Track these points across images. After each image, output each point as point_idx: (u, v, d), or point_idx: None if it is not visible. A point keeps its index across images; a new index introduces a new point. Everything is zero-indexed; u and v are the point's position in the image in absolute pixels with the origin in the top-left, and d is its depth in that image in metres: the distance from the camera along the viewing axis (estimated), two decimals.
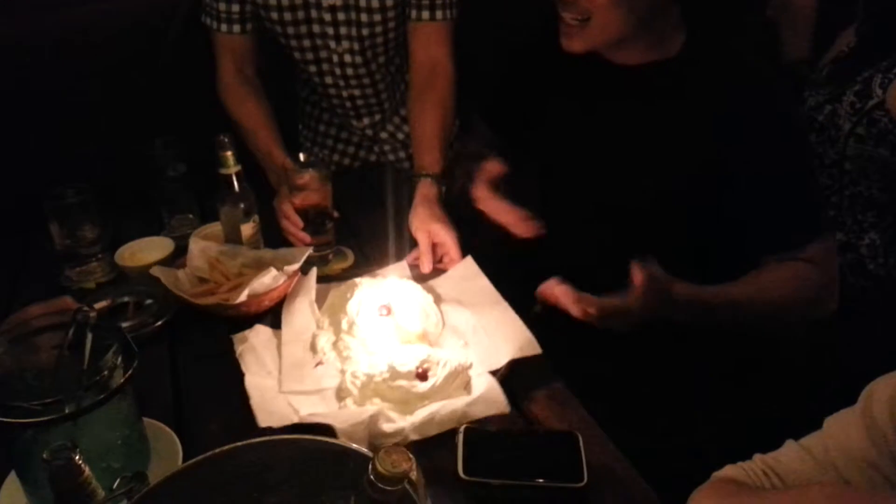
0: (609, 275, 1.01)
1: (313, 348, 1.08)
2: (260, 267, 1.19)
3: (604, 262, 1.09)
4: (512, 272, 1.25)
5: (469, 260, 1.25)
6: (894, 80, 1.35)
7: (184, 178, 1.36)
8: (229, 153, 1.20)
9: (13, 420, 0.75)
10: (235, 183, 1.22)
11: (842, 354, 1.34)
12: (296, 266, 1.17)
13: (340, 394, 0.99)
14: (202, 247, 1.23)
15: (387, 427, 0.91)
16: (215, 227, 1.31)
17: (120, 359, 0.82)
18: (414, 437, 0.91)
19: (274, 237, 1.29)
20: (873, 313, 1.42)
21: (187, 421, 0.96)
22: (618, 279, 1.01)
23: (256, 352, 1.06)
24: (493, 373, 1.01)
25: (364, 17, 1.43)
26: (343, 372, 1.02)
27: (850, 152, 1.42)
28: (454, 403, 0.94)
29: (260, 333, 1.10)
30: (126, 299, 1.19)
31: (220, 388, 1.01)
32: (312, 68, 1.52)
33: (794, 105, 1.13)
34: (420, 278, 1.22)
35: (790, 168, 1.09)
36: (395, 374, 0.97)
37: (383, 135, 1.66)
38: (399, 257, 1.30)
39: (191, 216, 1.39)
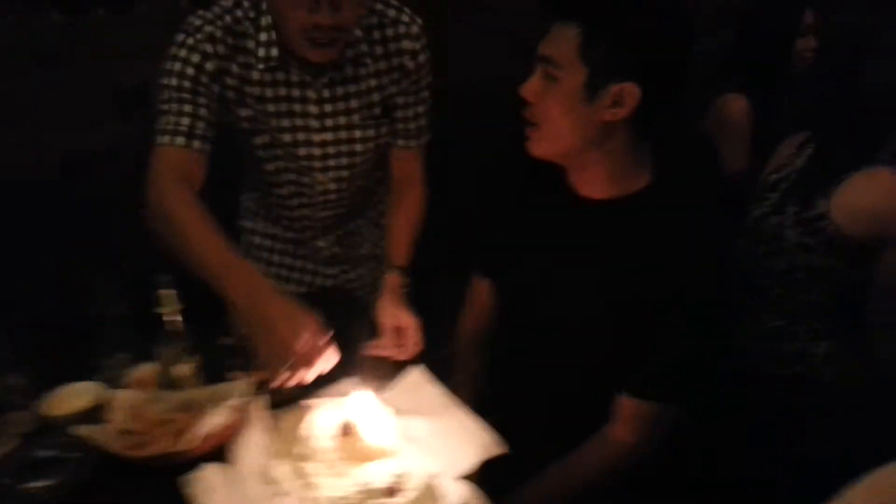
0: (556, 385, 1.16)
1: (271, 480, 1.03)
2: (189, 409, 1.15)
3: (550, 376, 1.23)
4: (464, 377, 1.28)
5: (416, 368, 1.25)
6: (836, 190, 1.43)
7: (120, 318, 1.30)
8: (169, 293, 1.17)
9: None
10: (174, 323, 1.18)
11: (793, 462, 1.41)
12: (242, 399, 1.13)
13: None
14: (124, 397, 1.17)
15: None
16: (150, 368, 1.25)
17: None
18: None
19: (213, 378, 1.24)
20: (826, 420, 1.45)
21: None
22: (560, 388, 1.17)
23: (214, 492, 1.00)
24: (467, 477, 1.00)
25: (358, 147, 1.45)
26: (312, 501, 0.97)
27: (800, 262, 1.48)
28: None
29: (212, 473, 1.04)
30: (48, 453, 1.09)
31: None
32: (284, 191, 1.49)
33: (722, 270, 1.20)
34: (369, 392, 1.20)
35: (684, 334, 1.14)
36: (367, 493, 0.94)
37: (344, 252, 1.64)
38: (343, 377, 1.27)
39: (127, 356, 1.31)
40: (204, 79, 1.30)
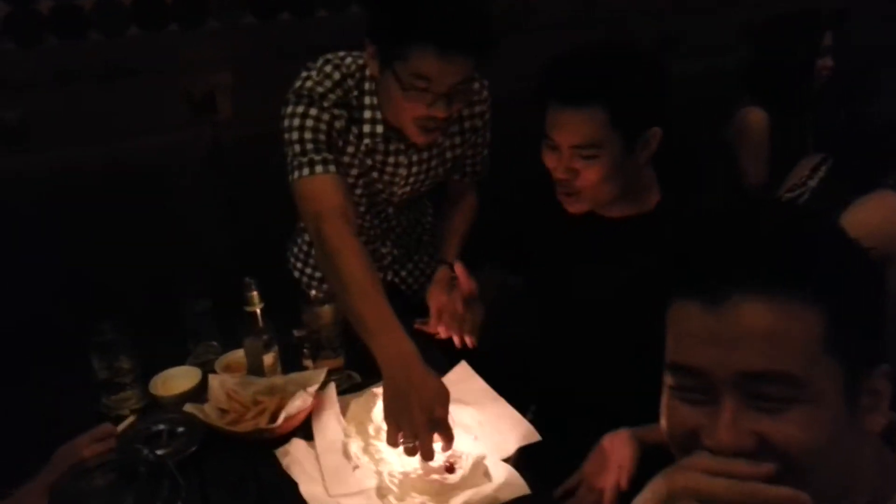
0: (583, 379, 1.34)
1: (346, 455, 1.24)
2: (273, 393, 1.36)
3: (584, 381, 1.40)
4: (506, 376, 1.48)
5: (464, 364, 1.45)
6: (847, 210, 1.54)
7: (209, 312, 1.52)
8: (255, 293, 1.38)
9: None
10: (259, 319, 1.39)
11: None
12: (317, 386, 1.34)
13: (381, 492, 1.16)
14: (220, 380, 1.38)
15: None
16: (236, 355, 1.47)
17: (168, 491, 0.97)
18: None
19: (289, 365, 1.46)
20: None
21: None
22: (595, 395, 1.33)
23: (300, 463, 1.22)
24: (506, 460, 1.21)
25: (434, 163, 1.59)
26: (379, 473, 1.19)
27: None
28: (483, 490, 1.12)
29: (299, 447, 1.26)
30: (161, 427, 1.32)
31: None
32: (361, 205, 1.63)
33: None
34: None
35: None
36: (427, 469, 1.15)
37: (403, 251, 1.79)
38: None
39: (214, 344, 1.53)
40: (334, 135, 1.44)
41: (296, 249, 1.83)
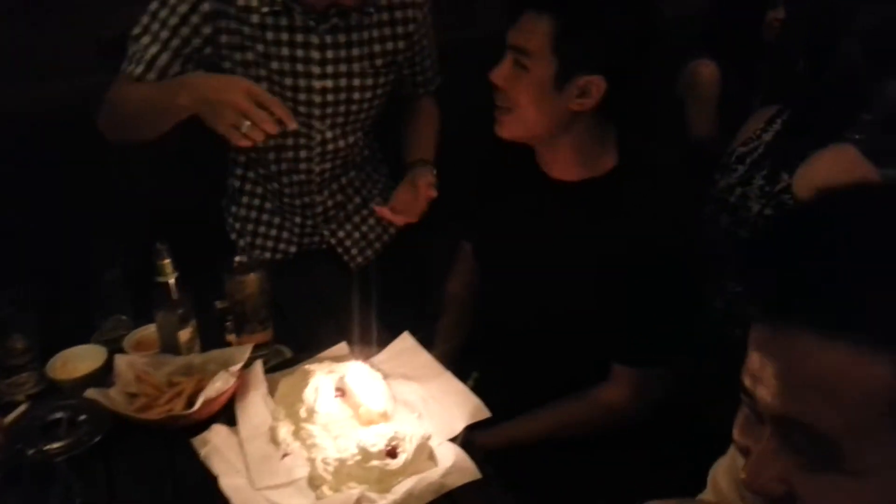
0: (532, 357, 1.28)
1: (275, 440, 1.10)
2: (190, 373, 1.21)
3: (527, 347, 1.33)
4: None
5: (407, 335, 1.32)
6: (801, 165, 1.51)
7: (119, 281, 1.35)
8: (167, 261, 1.21)
9: None
10: (173, 290, 1.23)
11: None
12: (240, 364, 1.20)
13: (314, 482, 1.03)
14: (128, 361, 1.22)
15: None
16: (149, 330, 1.30)
17: (61, 495, 0.82)
18: None
19: (210, 340, 1.30)
20: None
21: None
22: (539, 361, 1.28)
23: (221, 452, 1.08)
24: (454, 440, 1.09)
25: (356, 96, 1.48)
26: (312, 460, 1.05)
27: None
28: (429, 476, 1.01)
29: (220, 434, 1.11)
30: (59, 415, 1.15)
31: None
32: (282, 145, 1.52)
33: (689, 241, 1.27)
34: (362, 358, 1.27)
35: (658, 301, 1.21)
36: (366, 455, 1.02)
37: (340, 209, 1.67)
38: (335, 343, 1.34)
39: (124, 318, 1.36)
40: (195, 19, 1.35)
41: (231, 218, 1.69)
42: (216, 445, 1.09)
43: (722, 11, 2.29)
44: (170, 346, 1.25)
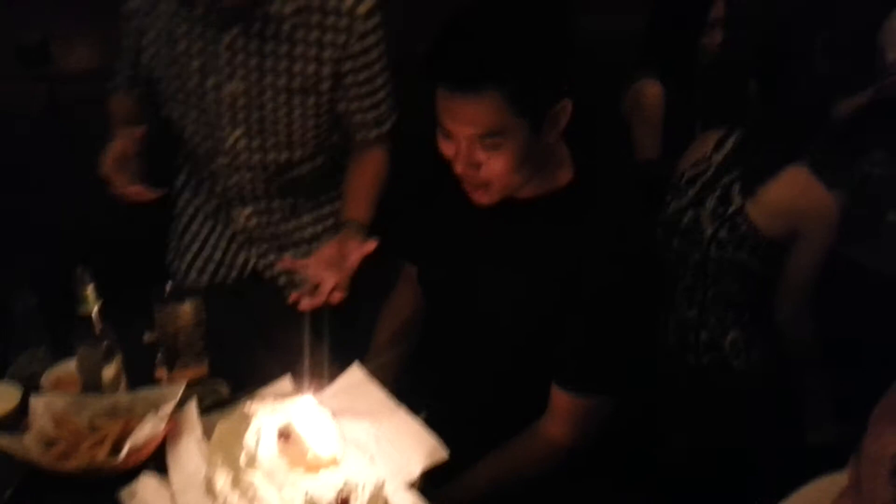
0: (479, 377, 1.21)
1: (211, 491, 1.00)
2: (115, 415, 1.10)
3: (474, 368, 1.27)
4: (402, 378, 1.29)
5: (356, 367, 1.24)
6: (755, 188, 1.50)
7: (35, 311, 1.22)
8: (89, 288, 1.09)
9: None
10: (96, 321, 1.11)
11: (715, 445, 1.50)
12: (172, 405, 1.09)
13: None
14: (45, 402, 1.10)
15: None
16: (69, 368, 1.18)
17: None
18: None
19: (138, 377, 1.19)
20: (739, 408, 1.56)
21: None
22: (490, 388, 1.21)
23: None
24: (412, 485, 1.02)
25: (269, 108, 1.41)
26: None
27: (713, 255, 1.57)
28: None
29: (148, 486, 1.01)
30: None
31: None
32: (199, 148, 1.49)
33: (645, 263, 1.20)
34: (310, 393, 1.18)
35: (611, 324, 1.16)
36: None
37: (269, 230, 1.58)
38: (278, 377, 1.25)
39: (40, 352, 1.23)
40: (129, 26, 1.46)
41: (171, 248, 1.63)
42: (145, 499, 0.99)
43: (656, 33, 2.29)
44: (92, 385, 1.14)
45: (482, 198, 1.15)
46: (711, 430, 1.55)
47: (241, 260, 1.60)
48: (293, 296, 1.26)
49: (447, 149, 1.12)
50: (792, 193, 1.50)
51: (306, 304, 1.23)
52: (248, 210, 1.55)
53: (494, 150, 1.08)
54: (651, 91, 2.26)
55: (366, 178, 1.49)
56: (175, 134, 1.53)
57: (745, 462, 1.50)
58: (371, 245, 1.30)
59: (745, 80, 1.73)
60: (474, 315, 1.26)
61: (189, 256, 1.62)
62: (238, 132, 1.44)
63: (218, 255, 1.60)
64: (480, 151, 1.08)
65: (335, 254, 1.30)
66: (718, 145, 1.65)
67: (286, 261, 1.41)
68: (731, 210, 1.55)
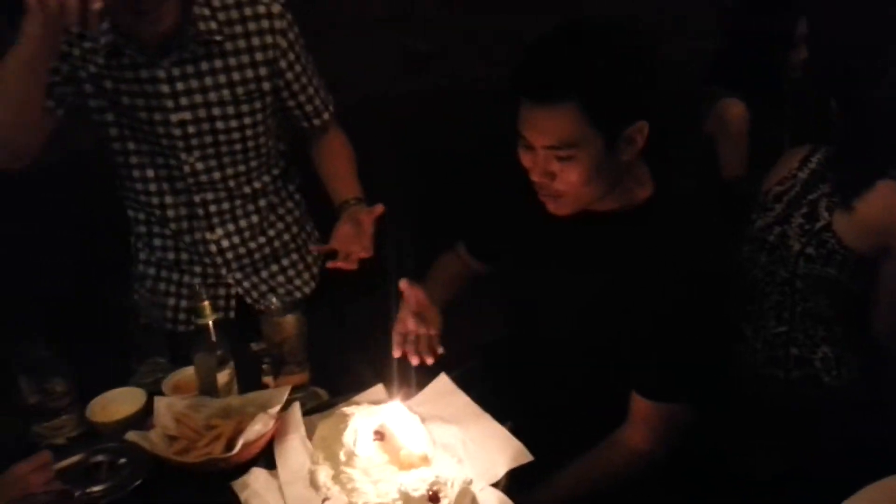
0: (564, 388, 1.25)
1: (314, 484, 1.09)
2: (229, 416, 1.21)
3: (557, 378, 1.31)
4: (482, 383, 1.35)
5: (443, 377, 1.31)
6: (842, 204, 1.50)
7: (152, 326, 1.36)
8: (206, 303, 1.23)
9: None
10: (211, 332, 1.23)
11: (802, 462, 1.49)
12: (279, 407, 1.19)
13: None
14: (167, 403, 1.23)
15: None
16: (187, 373, 1.31)
17: None
18: None
19: (248, 383, 1.31)
20: (832, 423, 1.53)
21: None
22: (570, 392, 1.25)
23: (261, 496, 1.07)
24: (495, 485, 1.08)
25: (220, 125, 1.44)
26: None
27: (801, 271, 1.56)
28: None
29: (259, 478, 1.11)
30: (100, 458, 1.16)
31: None
32: (156, 178, 1.48)
33: (724, 275, 1.26)
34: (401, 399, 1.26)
35: (687, 336, 1.19)
36: (408, 500, 1.01)
37: (242, 251, 1.57)
38: (372, 384, 1.33)
39: (162, 361, 1.37)
40: (57, 78, 1.36)
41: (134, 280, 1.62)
42: (256, 490, 1.08)
43: (742, 52, 2.29)
44: (208, 388, 1.26)
45: (555, 208, 1.21)
46: (799, 445, 1.53)
47: (214, 290, 1.57)
48: (329, 264, 1.37)
49: (526, 160, 1.19)
50: (882, 209, 1.48)
51: (342, 265, 1.35)
52: (218, 233, 1.54)
53: (568, 161, 1.13)
54: (735, 109, 2.26)
55: (341, 158, 1.59)
56: (122, 176, 1.51)
57: (831, 477, 1.47)
58: (379, 208, 1.39)
59: (827, 97, 1.72)
60: (550, 321, 1.31)
61: (159, 295, 1.58)
62: (195, 155, 1.45)
63: (185, 290, 1.58)
64: (555, 162, 1.14)
65: (351, 229, 1.39)
66: (804, 162, 1.65)
67: (314, 248, 1.49)
68: (818, 226, 1.54)
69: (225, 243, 1.55)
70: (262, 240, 1.59)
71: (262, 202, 1.57)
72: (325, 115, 1.59)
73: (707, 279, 1.19)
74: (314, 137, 1.62)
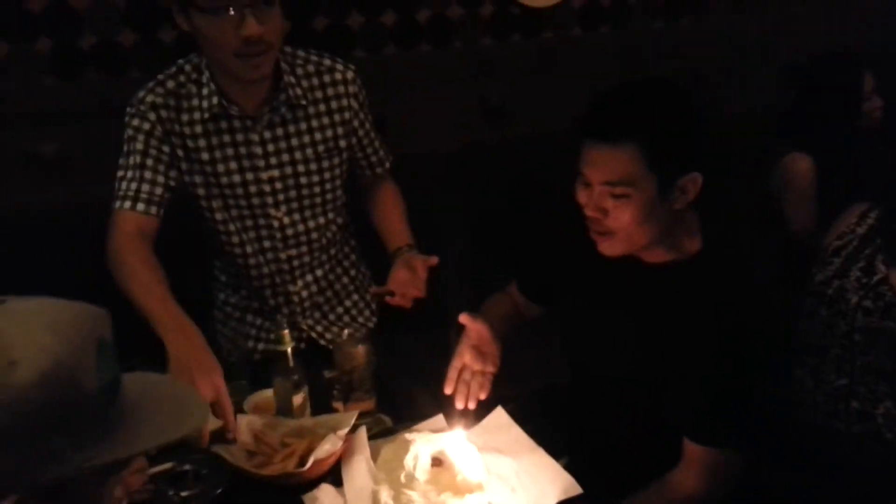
0: (617, 427, 1.31)
1: (376, 503, 1.18)
2: (302, 435, 1.31)
3: (610, 416, 1.37)
4: (538, 420, 1.42)
5: (500, 410, 1.39)
6: (890, 260, 1.52)
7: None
8: (285, 332, 1.35)
9: None
10: (290, 358, 1.35)
11: None
12: (347, 429, 1.30)
13: None
14: (248, 421, 1.34)
15: None
16: (265, 395, 1.43)
17: None
18: None
19: (319, 406, 1.41)
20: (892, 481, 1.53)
21: None
22: (623, 431, 1.31)
23: None
24: None
25: (303, 180, 1.58)
26: None
27: (859, 324, 1.58)
28: None
29: (328, 493, 1.21)
30: (187, 467, 1.28)
31: None
32: (246, 236, 1.59)
33: (765, 326, 1.29)
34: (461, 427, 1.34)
35: (735, 382, 1.24)
36: None
37: (319, 299, 1.72)
38: (432, 414, 1.42)
39: (243, 383, 1.49)
40: (154, 142, 1.47)
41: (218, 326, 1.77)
42: (324, 503, 1.18)
43: (812, 107, 2.32)
44: (284, 409, 1.37)
45: (605, 247, 1.27)
46: (857, 501, 1.53)
47: (294, 335, 1.55)
48: (388, 300, 1.50)
49: (582, 196, 1.27)
50: None
51: (399, 302, 1.48)
52: (299, 284, 1.68)
53: (622, 199, 1.21)
54: (802, 165, 2.29)
55: (395, 208, 1.71)
56: (209, 229, 1.61)
57: None
58: (434, 259, 1.50)
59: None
60: (603, 361, 1.38)
61: (249, 348, 1.72)
62: (282, 210, 1.58)
63: (263, 334, 1.72)
64: (609, 199, 1.22)
65: (406, 274, 1.51)
66: (862, 217, 1.68)
67: (373, 289, 1.60)
68: (875, 279, 1.56)
69: (304, 293, 1.69)
70: (330, 293, 1.74)
71: (332, 251, 1.72)
72: (387, 164, 1.74)
73: (750, 329, 1.24)
74: (371, 188, 1.75)
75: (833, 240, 1.71)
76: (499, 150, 2.47)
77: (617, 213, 1.22)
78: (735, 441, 1.26)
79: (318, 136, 1.58)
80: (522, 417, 1.38)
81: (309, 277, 1.69)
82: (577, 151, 1.26)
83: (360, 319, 1.79)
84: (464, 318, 1.37)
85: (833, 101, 2.29)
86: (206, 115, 1.48)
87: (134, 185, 1.46)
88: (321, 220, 1.65)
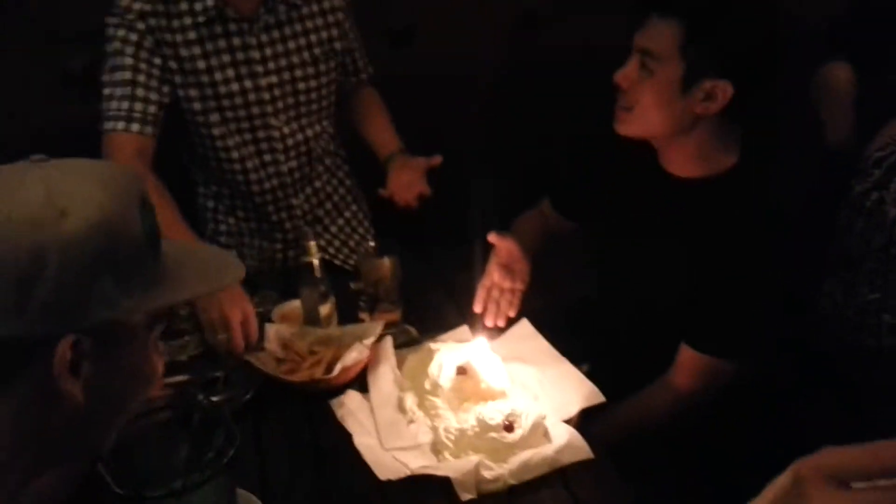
0: (638, 339, 1.32)
1: (402, 408, 1.21)
2: (329, 344, 1.33)
3: (634, 330, 1.37)
4: (563, 332, 1.42)
5: (525, 322, 1.39)
6: None
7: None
8: (312, 243, 1.35)
9: (127, 494, 0.82)
10: (316, 269, 1.36)
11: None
12: (373, 338, 1.31)
13: (436, 447, 1.12)
14: (276, 330, 1.37)
15: (488, 474, 1.05)
16: (293, 305, 1.45)
17: (223, 439, 0.93)
18: (512, 481, 1.05)
19: (346, 317, 1.43)
20: None
21: (273, 490, 1.08)
22: (643, 344, 1.32)
23: (354, 415, 1.20)
24: (567, 422, 1.16)
25: (301, 86, 1.54)
26: (435, 428, 1.15)
27: None
28: (544, 451, 1.07)
29: (354, 399, 1.23)
30: (218, 374, 1.32)
31: (303, 458, 1.15)
32: (246, 151, 1.55)
33: (792, 245, 1.28)
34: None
35: (743, 301, 1.23)
36: (485, 427, 1.11)
37: (320, 211, 1.72)
38: (458, 324, 1.43)
39: (271, 293, 1.52)
40: (144, 55, 1.38)
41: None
42: (350, 409, 1.21)
43: (863, 18, 2.20)
44: (312, 319, 1.39)
45: (621, 126, 1.26)
46: (882, 417, 1.52)
47: (294, 250, 1.70)
48: (382, 193, 1.52)
49: (620, 76, 1.25)
50: None
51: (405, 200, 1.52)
52: (300, 197, 1.66)
53: (648, 74, 1.20)
54: (841, 73, 2.18)
55: (381, 115, 1.70)
56: (200, 152, 1.56)
57: None
58: (437, 159, 1.50)
59: None
60: (630, 278, 1.37)
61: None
62: (282, 119, 1.54)
63: (266, 254, 1.72)
64: (638, 70, 1.21)
65: (407, 175, 1.52)
66: None
67: (381, 191, 1.56)
68: None
69: (306, 206, 1.68)
70: (329, 205, 1.74)
71: (328, 161, 1.70)
72: (370, 69, 1.71)
73: (774, 247, 1.22)
74: (353, 96, 1.72)
75: (874, 151, 1.64)
76: (535, 66, 2.37)
77: (640, 87, 1.22)
78: (730, 353, 1.27)
79: (313, 37, 1.53)
80: (547, 329, 1.38)
81: (309, 190, 1.68)
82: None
83: (360, 230, 1.79)
84: (492, 237, 1.36)
85: (883, 9, 2.17)
86: (201, 20, 1.40)
87: (126, 104, 1.37)
88: (317, 128, 1.62)
